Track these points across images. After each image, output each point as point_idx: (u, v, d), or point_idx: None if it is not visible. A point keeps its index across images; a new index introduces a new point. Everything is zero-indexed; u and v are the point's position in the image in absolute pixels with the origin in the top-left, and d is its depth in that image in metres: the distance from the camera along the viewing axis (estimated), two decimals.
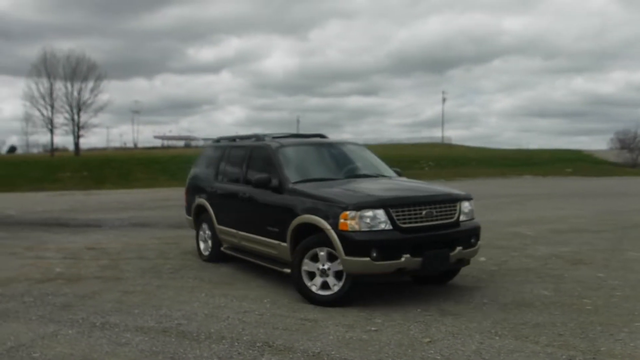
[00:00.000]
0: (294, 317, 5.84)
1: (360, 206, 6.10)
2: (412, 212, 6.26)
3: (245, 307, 6.20)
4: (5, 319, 5.87)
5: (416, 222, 6.27)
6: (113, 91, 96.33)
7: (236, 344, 5.01)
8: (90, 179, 35.68)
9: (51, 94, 65.78)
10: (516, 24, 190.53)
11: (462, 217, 6.69)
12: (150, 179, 35.24)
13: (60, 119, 67.48)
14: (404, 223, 6.19)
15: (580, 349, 4.83)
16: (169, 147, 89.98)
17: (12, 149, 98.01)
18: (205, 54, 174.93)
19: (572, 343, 4.97)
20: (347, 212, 6.06)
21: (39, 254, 9.81)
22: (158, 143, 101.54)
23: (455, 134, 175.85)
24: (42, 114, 66.26)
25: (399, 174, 8.16)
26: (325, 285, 6.38)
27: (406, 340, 5.09)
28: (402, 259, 6.02)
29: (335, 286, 6.30)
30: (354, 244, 5.99)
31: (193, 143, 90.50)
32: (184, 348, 4.92)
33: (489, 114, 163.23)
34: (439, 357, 4.68)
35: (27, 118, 68.72)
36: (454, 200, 6.69)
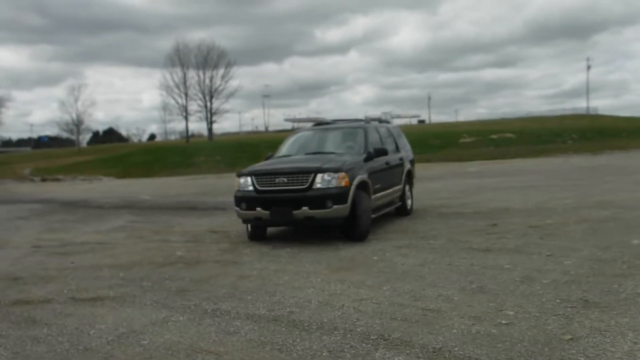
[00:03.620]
0: (415, 306, 5.32)
1: (240, 174, 9.27)
2: (268, 180, 8.88)
3: (362, 295, 5.78)
4: (122, 303, 5.90)
5: (270, 187, 8.83)
6: (243, 77, 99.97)
7: (349, 335, 4.60)
8: (223, 163, 37.01)
9: (185, 82, 69.05)
10: None
11: (317, 186, 8.53)
12: None
13: (194, 106, 70.74)
14: (262, 187, 8.88)
15: None
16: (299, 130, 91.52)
17: (152, 136, 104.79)
18: (333, 34, 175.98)
19: None
20: (236, 178, 9.26)
21: (165, 238, 10.03)
22: (289, 126, 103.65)
23: (602, 104, 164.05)
24: (177, 102, 69.76)
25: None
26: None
27: (542, 336, 4.41)
28: (256, 211, 8.78)
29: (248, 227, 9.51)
30: (236, 198, 9.18)
31: None
32: (293, 339, 4.59)
33: None
34: (582, 358, 3.98)
35: (164, 107, 72.89)
36: (307, 172, 8.65)
